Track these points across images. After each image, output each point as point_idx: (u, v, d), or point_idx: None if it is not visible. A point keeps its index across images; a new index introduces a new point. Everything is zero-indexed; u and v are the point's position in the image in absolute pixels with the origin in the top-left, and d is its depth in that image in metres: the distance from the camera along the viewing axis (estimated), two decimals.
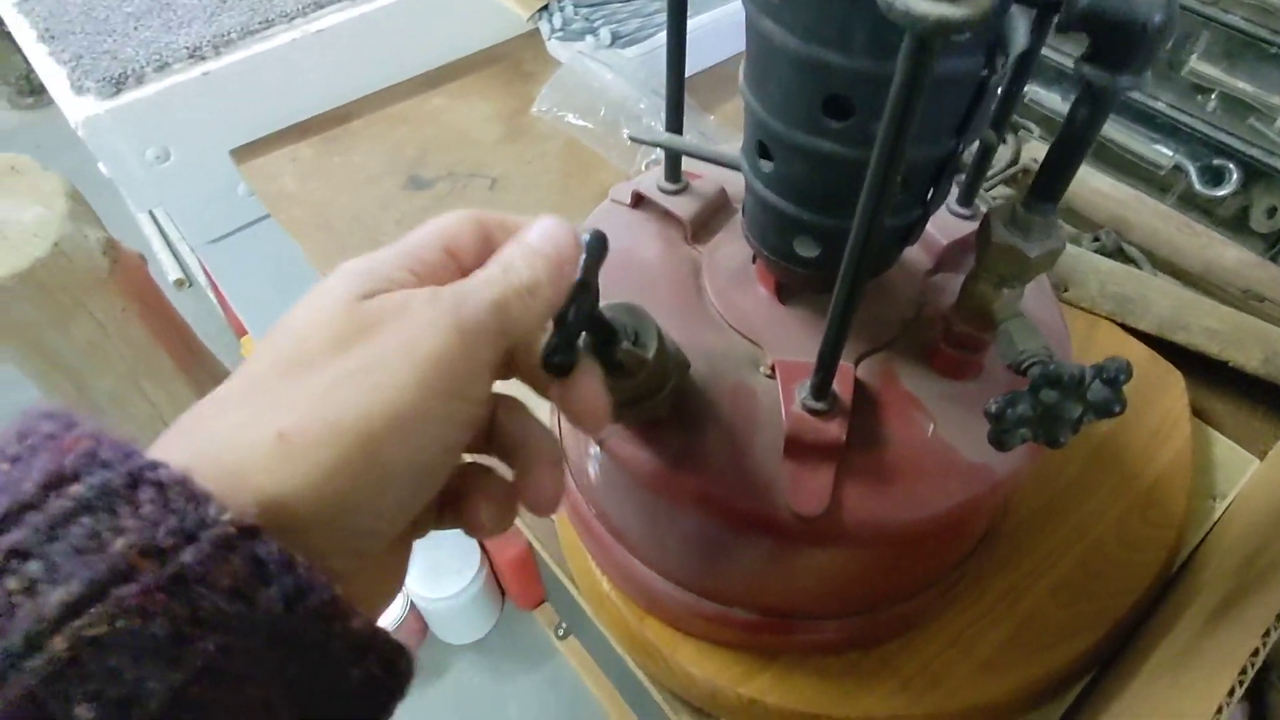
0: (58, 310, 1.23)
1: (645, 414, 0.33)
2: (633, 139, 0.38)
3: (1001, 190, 0.65)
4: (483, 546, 1.31)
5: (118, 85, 0.68)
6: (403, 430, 0.19)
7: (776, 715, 0.40)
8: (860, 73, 0.25)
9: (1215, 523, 0.49)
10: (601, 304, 0.30)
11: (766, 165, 0.31)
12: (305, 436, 0.18)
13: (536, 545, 0.50)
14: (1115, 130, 0.67)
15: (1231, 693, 0.25)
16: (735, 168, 0.35)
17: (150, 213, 1.87)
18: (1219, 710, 0.25)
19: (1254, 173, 0.63)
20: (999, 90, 0.32)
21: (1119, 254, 0.60)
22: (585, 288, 0.24)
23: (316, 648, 0.17)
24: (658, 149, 0.42)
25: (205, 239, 0.79)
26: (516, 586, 1.36)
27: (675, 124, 0.38)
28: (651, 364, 0.31)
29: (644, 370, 0.30)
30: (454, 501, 0.24)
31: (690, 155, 0.37)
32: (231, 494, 0.17)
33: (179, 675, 0.15)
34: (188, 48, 0.70)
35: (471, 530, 0.24)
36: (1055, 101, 0.71)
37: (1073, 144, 0.27)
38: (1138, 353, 0.55)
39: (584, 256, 0.24)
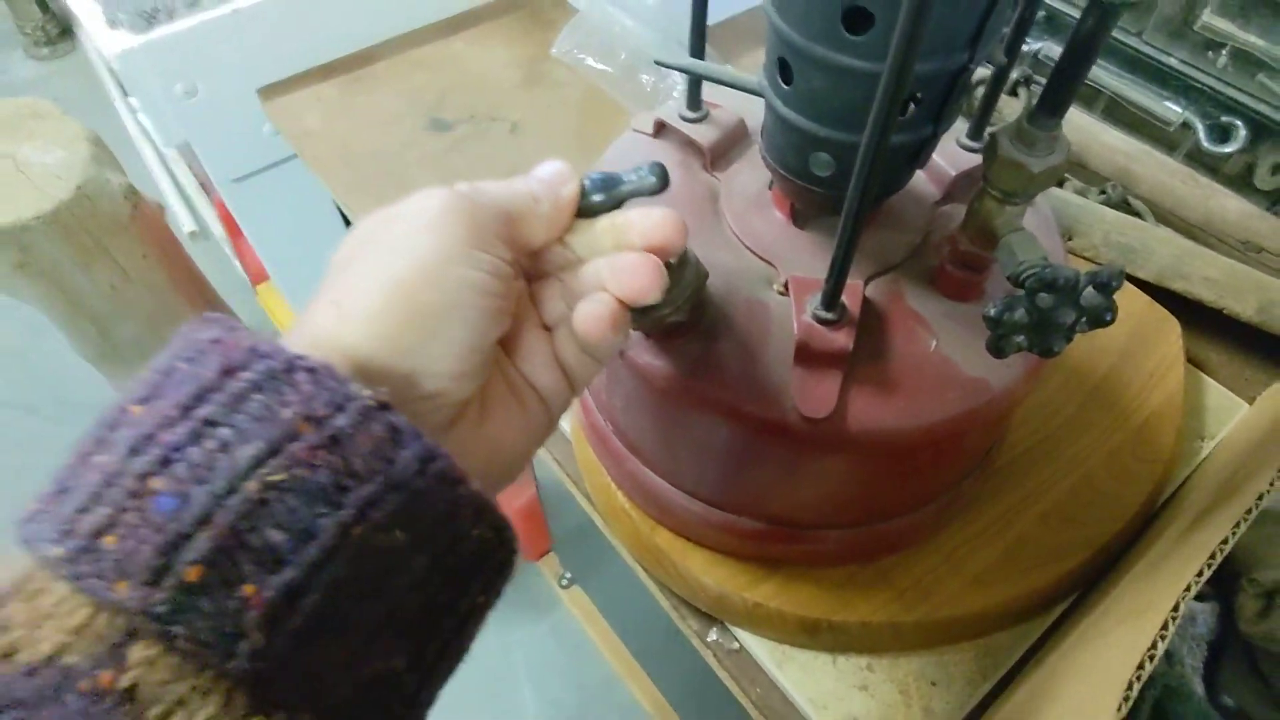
0: (80, 252, 1.25)
1: (665, 319, 0.35)
2: (658, 63, 0.39)
3: None
4: None
5: (150, 20, 0.69)
6: (429, 276, 0.22)
7: (779, 618, 0.43)
8: None
9: (1202, 460, 0.51)
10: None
11: (786, 83, 0.33)
12: (352, 296, 0.22)
13: (556, 466, 0.53)
14: (1126, 86, 0.68)
15: (1200, 574, 0.27)
16: (756, 92, 0.36)
17: (166, 165, 1.88)
18: (1187, 588, 0.27)
19: (1261, 130, 0.64)
20: (1014, 10, 0.34)
21: (1124, 205, 0.61)
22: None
23: (444, 506, 0.20)
24: (674, 98, 0.43)
25: (230, 177, 0.81)
26: (522, 537, 1.39)
27: (699, 49, 0.40)
28: (674, 268, 0.33)
29: (666, 271, 0.32)
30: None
31: (712, 79, 0.38)
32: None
33: (342, 514, 0.18)
34: None
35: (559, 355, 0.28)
36: None
37: (1079, 55, 0.28)
38: (1137, 300, 0.56)
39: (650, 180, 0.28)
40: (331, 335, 0.22)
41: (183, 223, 1.82)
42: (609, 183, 0.28)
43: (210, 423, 0.18)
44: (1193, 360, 0.56)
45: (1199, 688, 0.34)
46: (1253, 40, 0.60)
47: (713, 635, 0.45)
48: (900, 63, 0.25)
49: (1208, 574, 0.27)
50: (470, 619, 0.22)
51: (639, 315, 0.35)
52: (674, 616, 0.46)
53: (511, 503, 1.33)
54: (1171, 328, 0.55)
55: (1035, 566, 0.44)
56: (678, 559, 0.44)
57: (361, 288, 0.22)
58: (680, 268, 0.34)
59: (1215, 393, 0.55)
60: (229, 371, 0.19)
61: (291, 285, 0.95)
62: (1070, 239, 0.59)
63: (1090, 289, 0.30)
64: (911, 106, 0.32)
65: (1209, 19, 0.62)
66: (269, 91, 0.75)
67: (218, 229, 1.65)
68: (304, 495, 0.18)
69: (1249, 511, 0.29)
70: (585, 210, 0.28)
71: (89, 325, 1.34)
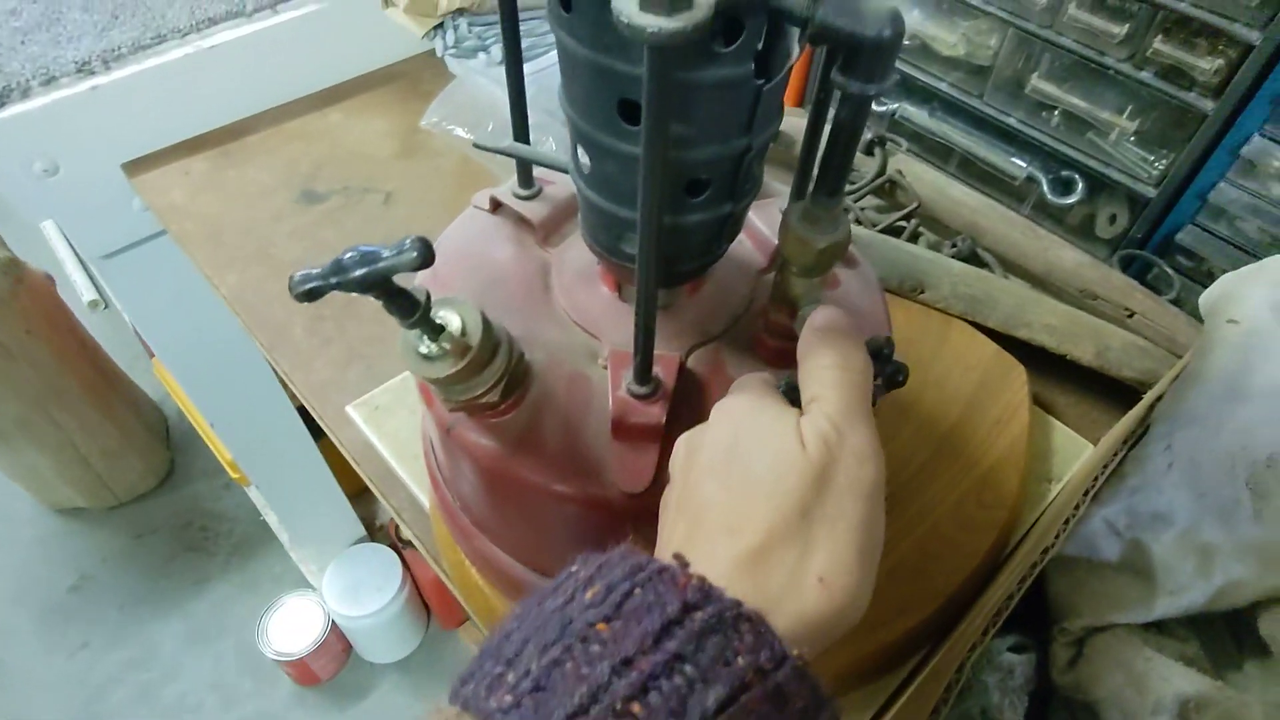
0: None
1: (477, 400, 0.35)
2: (477, 146, 0.40)
3: (871, 200, 0.70)
4: (405, 564, 1.30)
5: (1, 99, 0.68)
6: (878, 543, 0.26)
7: None
8: (641, 78, 0.28)
9: (1049, 504, 0.52)
10: (435, 298, 0.32)
11: (586, 166, 0.34)
12: (835, 576, 0.25)
13: (416, 542, 0.51)
14: (975, 144, 0.72)
15: (986, 633, 0.28)
16: (567, 172, 0.37)
17: (62, 233, 1.82)
18: (972, 648, 0.27)
19: (1096, 184, 0.68)
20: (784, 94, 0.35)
21: (974, 258, 0.64)
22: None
23: None
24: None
25: (99, 253, 0.79)
26: (440, 605, 1.35)
27: (521, 132, 0.41)
28: (475, 351, 0.33)
29: (469, 355, 0.32)
30: None
31: (528, 160, 0.39)
32: (797, 637, 0.23)
33: None
34: (76, 62, 0.70)
35: None
36: (923, 118, 0.76)
37: (841, 143, 0.30)
38: (985, 349, 0.59)
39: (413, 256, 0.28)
40: (814, 611, 0.24)
41: (82, 292, 1.76)
42: (368, 258, 0.28)
43: (679, 657, 0.20)
44: (1042, 404, 0.59)
45: None
46: (1076, 102, 0.65)
47: None
48: (652, 158, 0.26)
49: (993, 632, 0.28)
50: None
51: (452, 396, 0.35)
52: None
53: (426, 570, 1.29)
54: (1018, 374, 0.58)
55: (883, 623, 0.44)
56: None
57: (841, 567, 0.25)
58: (490, 349, 0.34)
59: (1063, 435, 0.57)
60: (689, 608, 0.21)
61: (174, 361, 0.92)
62: (922, 292, 0.61)
63: None
64: (710, 189, 0.33)
65: (1037, 83, 0.66)
66: (134, 167, 0.73)
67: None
68: None
69: (1034, 566, 0.30)
70: (346, 285, 0.28)
71: None
